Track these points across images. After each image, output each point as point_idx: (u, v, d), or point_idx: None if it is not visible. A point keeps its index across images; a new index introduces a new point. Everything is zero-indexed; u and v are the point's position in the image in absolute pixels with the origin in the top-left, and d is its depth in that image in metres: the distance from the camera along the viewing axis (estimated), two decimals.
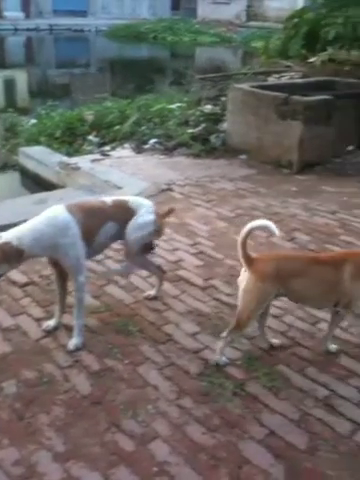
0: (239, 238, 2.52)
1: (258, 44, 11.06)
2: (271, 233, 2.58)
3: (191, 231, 4.14)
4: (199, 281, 3.37)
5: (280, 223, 4.35)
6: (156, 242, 3.17)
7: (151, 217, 2.88)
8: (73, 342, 2.67)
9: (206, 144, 6.25)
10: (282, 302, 3.15)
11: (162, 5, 37.19)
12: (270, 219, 4.33)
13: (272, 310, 3.05)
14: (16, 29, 30.87)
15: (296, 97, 5.55)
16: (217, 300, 3.17)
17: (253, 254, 2.59)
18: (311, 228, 4.31)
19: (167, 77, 16.83)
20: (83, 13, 35.49)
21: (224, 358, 2.60)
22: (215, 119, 6.59)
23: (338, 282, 2.53)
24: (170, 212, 3.08)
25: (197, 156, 6.07)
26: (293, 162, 5.63)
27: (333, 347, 2.76)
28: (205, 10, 34.84)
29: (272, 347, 2.74)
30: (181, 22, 30.09)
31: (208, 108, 6.82)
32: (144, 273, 3.44)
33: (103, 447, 2.12)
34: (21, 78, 17.81)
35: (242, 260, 2.52)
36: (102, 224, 2.75)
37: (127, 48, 25.63)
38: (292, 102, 5.54)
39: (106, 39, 28.42)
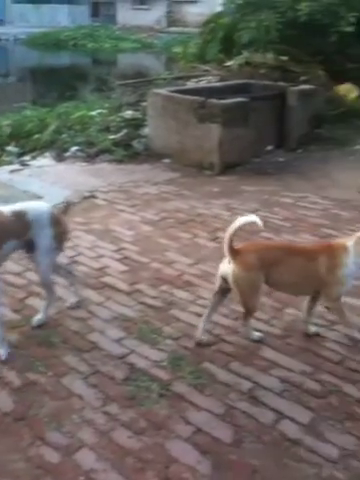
0: (227, 233, 2.66)
1: (178, 49, 11.25)
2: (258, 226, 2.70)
3: (116, 237, 4.13)
4: (124, 286, 3.36)
5: (203, 224, 4.45)
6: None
7: (51, 234, 2.76)
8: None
9: (129, 150, 6.26)
10: (206, 301, 3.22)
11: (81, 12, 36.83)
12: (193, 220, 4.50)
13: (196, 309, 3.13)
14: None
15: (213, 100, 5.69)
16: (143, 304, 3.17)
17: (236, 246, 2.72)
18: None
19: (89, 84, 16.67)
20: (0, 22, 34.47)
21: (257, 333, 2.85)
22: (136, 124, 6.62)
23: (315, 271, 2.72)
24: (67, 208, 3.03)
25: (120, 162, 6.07)
26: (214, 164, 5.76)
27: (313, 329, 2.92)
28: (125, 16, 34.91)
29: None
30: (101, 29, 29.99)
31: (129, 114, 6.83)
32: (66, 283, 3.39)
33: (28, 462, 2.06)
34: None
35: (227, 253, 2.66)
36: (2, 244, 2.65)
37: (47, 56, 25.15)
38: (209, 105, 5.67)
39: (25, 48, 27.74)
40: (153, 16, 33.99)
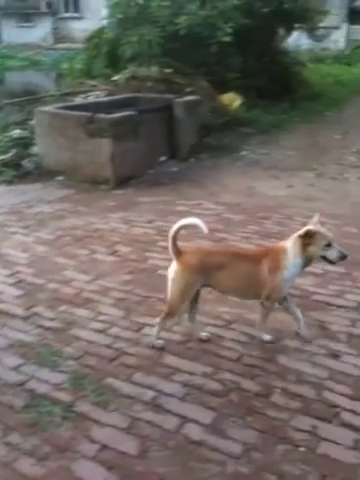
0: (170, 232, 2.72)
1: (67, 66, 11.15)
2: (201, 230, 2.71)
3: (9, 261, 4.00)
4: (20, 311, 3.27)
5: (101, 239, 4.45)
6: None
7: None
8: None
9: (19, 169, 6.10)
10: (107, 316, 3.23)
11: None
12: (90, 236, 4.48)
13: (97, 325, 3.12)
14: None
15: (101, 115, 5.71)
16: (41, 327, 3.10)
17: (181, 247, 2.77)
18: (131, 239, 4.46)
19: None
20: None
21: (160, 341, 2.90)
22: (25, 143, 6.46)
23: (259, 275, 2.78)
24: None
25: (10, 182, 5.90)
26: (109, 178, 5.78)
27: (267, 337, 2.97)
28: (10, 34, 33.85)
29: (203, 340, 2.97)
30: None
31: (17, 132, 6.65)
32: None
33: None
34: None
35: (171, 252, 2.75)
36: None
37: None
38: (98, 120, 5.68)
39: None
40: (39, 33, 33.33)
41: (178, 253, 2.77)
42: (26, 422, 2.36)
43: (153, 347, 2.89)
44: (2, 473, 2.09)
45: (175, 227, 2.72)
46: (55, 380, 2.63)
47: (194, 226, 2.75)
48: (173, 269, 2.78)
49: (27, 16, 34.17)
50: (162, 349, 2.88)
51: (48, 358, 2.80)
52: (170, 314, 2.85)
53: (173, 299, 2.80)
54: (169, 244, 2.75)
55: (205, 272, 2.79)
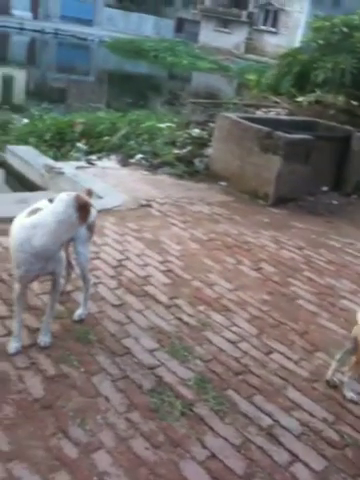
0: None
1: (251, 76, 11.41)
2: None
3: (163, 249, 4.23)
4: (164, 299, 3.45)
5: (249, 252, 4.50)
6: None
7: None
8: (45, 339, 2.75)
9: (190, 166, 6.39)
10: (240, 329, 3.27)
11: (166, 26, 37.89)
12: (239, 247, 4.57)
13: (229, 335, 3.18)
14: (22, 28, 31.18)
15: (279, 133, 5.75)
16: (179, 319, 3.25)
17: None
18: (277, 260, 4.44)
19: (161, 96, 17.09)
20: (89, 22, 35.96)
21: (351, 394, 2.82)
22: (201, 143, 6.75)
23: None
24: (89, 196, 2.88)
25: (179, 177, 6.20)
26: (269, 195, 5.80)
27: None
28: (207, 36, 35.59)
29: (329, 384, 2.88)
30: (182, 45, 30.71)
31: (196, 132, 6.98)
32: (112, 284, 3.52)
33: (47, 451, 2.16)
34: (20, 77, 17.91)
35: None
36: None
37: (127, 62, 25.98)
38: (275, 137, 5.73)
39: (108, 50, 28.76)
40: (233, 40, 34.49)
41: None
42: (148, 405, 2.50)
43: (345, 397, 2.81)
44: (118, 446, 2.24)
45: None
46: (182, 374, 2.74)
47: None
48: None
49: (226, 22, 35.54)
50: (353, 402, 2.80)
51: (180, 351, 2.92)
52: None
53: None
54: None
55: None
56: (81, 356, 2.74)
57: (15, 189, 5.87)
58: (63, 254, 2.70)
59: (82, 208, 2.44)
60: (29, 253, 2.48)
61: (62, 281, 2.76)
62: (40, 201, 2.69)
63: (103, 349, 2.83)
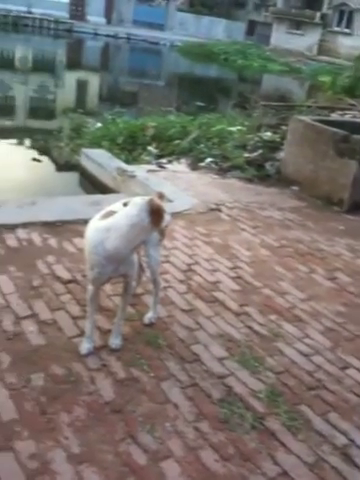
0: None
1: (325, 78, 11.04)
2: None
3: (233, 254, 4.16)
4: (234, 306, 3.38)
5: (323, 260, 4.33)
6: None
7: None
8: (116, 342, 2.76)
9: (260, 170, 6.27)
10: (313, 341, 3.13)
11: (237, 28, 37.74)
12: (312, 254, 4.40)
13: (302, 347, 3.05)
14: (96, 34, 32.24)
15: (357, 136, 5.50)
16: (249, 328, 3.16)
17: None
18: (354, 270, 4.24)
19: (231, 99, 17.00)
20: (161, 27, 36.58)
21: None
22: (273, 147, 6.61)
23: None
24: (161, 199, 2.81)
25: (249, 181, 6.10)
26: (344, 200, 5.57)
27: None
28: (279, 38, 35.06)
29: None
30: (253, 47, 30.49)
31: (267, 135, 6.85)
32: (181, 289, 3.49)
33: (117, 456, 2.15)
34: (94, 81, 18.50)
35: None
36: None
37: (197, 66, 26.12)
38: (352, 141, 5.49)
39: (178, 54, 29.08)
40: (305, 42, 33.74)
41: None
42: (218, 416, 2.43)
43: None
44: (187, 456, 2.19)
45: None
46: (253, 386, 2.65)
47: None
48: None
49: (299, 24, 34.87)
50: None
51: (250, 361, 2.84)
52: None
53: None
54: None
55: None
56: (151, 360, 2.72)
57: (88, 191, 6.01)
58: (136, 257, 2.70)
59: (155, 213, 2.42)
60: (102, 256, 2.49)
61: (134, 284, 2.77)
62: (114, 204, 2.70)
63: (172, 354, 2.80)
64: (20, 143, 8.51)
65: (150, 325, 3.01)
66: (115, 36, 32.51)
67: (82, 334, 2.80)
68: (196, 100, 13.73)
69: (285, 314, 3.39)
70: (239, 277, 3.79)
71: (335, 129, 5.79)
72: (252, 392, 2.61)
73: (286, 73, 26.28)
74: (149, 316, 3.04)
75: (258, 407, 2.52)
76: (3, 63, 19.72)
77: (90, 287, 2.66)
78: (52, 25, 31.34)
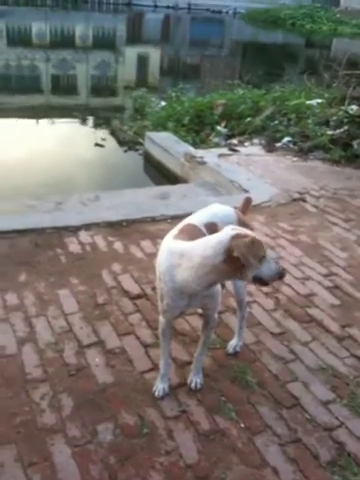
0: None
1: None
2: None
3: (325, 256, 3.54)
4: (335, 327, 2.79)
5: None
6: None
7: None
8: (197, 380, 2.29)
9: (347, 150, 5.51)
10: None
11: None
12: None
13: None
14: (156, 6, 31.50)
15: None
16: (357, 358, 2.58)
17: None
18: None
19: (299, 66, 15.87)
20: None
21: None
22: None
23: None
24: (247, 206, 2.42)
25: (336, 163, 5.37)
26: None
27: None
28: None
29: None
30: (322, 10, 28.52)
31: (353, 109, 6.02)
32: (268, 305, 2.95)
33: None
34: (154, 56, 17.90)
35: None
36: None
37: (263, 33, 24.84)
38: None
39: (243, 22, 27.81)
40: None
41: None
42: None
43: None
44: None
45: None
46: None
47: None
48: None
49: None
50: None
51: None
52: None
53: None
54: None
55: None
56: (239, 405, 2.22)
57: (154, 179, 5.55)
58: (219, 288, 2.14)
59: (233, 259, 1.80)
60: (170, 286, 1.99)
61: (216, 317, 2.24)
62: (195, 214, 2.18)
63: (265, 397, 2.28)
64: (83, 124, 8.14)
65: (235, 355, 2.51)
66: (175, 7, 31.57)
67: (155, 368, 2.35)
68: (262, 69, 12.83)
69: None
70: (337, 287, 3.19)
71: None
72: None
73: (359, 36, 24.38)
74: (233, 344, 2.53)
75: None
76: (64, 41, 19.54)
77: (162, 319, 2.17)
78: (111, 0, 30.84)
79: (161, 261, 2.04)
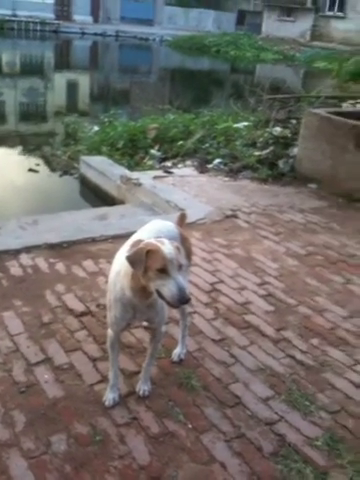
0: None
1: (321, 64, 10.66)
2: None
3: (259, 267, 3.79)
4: (270, 331, 3.01)
5: (358, 267, 3.95)
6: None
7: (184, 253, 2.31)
8: (145, 388, 2.39)
9: (274, 169, 5.89)
10: None
11: (227, 19, 37.21)
12: (345, 262, 4.03)
13: (354, 377, 2.69)
14: (83, 33, 31.71)
15: None
16: (291, 357, 2.79)
17: None
18: None
19: (226, 91, 16.58)
20: (149, 22, 36.03)
21: None
22: (284, 143, 6.21)
23: None
24: (183, 220, 2.57)
25: (263, 181, 5.72)
26: None
27: None
28: (270, 27, 34.57)
29: None
30: (245, 37, 29.98)
31: (277, 130, 6.45)
32: (208, 314, 3.12)
33: None
34: (84, 82, 18.03)
35: None
36: None
37: (189, 60, 25.71)
38: None
39: (169, 49, 28.62)
40: (298, 29, 33.26)
41: None
42: (274, 474, 2.07)
43: None
44: None
45: None
46: (307, 431, 2.29)
47: None
48: None
49: (290, 10, 34.41)
50: None
51: (299, 400, 2.47)
52: None
53: None
54: None
55: None
56: (186, 408, 2.35)
57: (91, 202, 5.64)
58: (163, 304, 2.12)
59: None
60: (114, 296, 2.12)
61: (163, 330, 2.36)
62: (143, 228, 2.31)
63: (210, 398, 2.43)
64: (13, 152, 8.09)
65: (180, 362, 2.64)
66: (103, 34, 32.00)
67: (104, 380, 2.44)
68: (190, 94, 13.32)
69: (328, 337, 3.02)
70: (270, 295, 3.42)
71: (354, 121, 5.42)
72: (308, 440, 2.25)
73: (280, 61, 25.83)
74: (178, 352, 2.67)
75: (318, 459, 2.16)
76: None
77: (110, 332, 2.27)
78: (38, 27, 30.75)
79: (111, 273, 2.16)
